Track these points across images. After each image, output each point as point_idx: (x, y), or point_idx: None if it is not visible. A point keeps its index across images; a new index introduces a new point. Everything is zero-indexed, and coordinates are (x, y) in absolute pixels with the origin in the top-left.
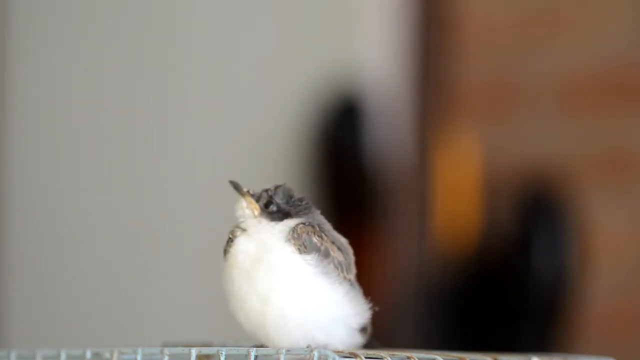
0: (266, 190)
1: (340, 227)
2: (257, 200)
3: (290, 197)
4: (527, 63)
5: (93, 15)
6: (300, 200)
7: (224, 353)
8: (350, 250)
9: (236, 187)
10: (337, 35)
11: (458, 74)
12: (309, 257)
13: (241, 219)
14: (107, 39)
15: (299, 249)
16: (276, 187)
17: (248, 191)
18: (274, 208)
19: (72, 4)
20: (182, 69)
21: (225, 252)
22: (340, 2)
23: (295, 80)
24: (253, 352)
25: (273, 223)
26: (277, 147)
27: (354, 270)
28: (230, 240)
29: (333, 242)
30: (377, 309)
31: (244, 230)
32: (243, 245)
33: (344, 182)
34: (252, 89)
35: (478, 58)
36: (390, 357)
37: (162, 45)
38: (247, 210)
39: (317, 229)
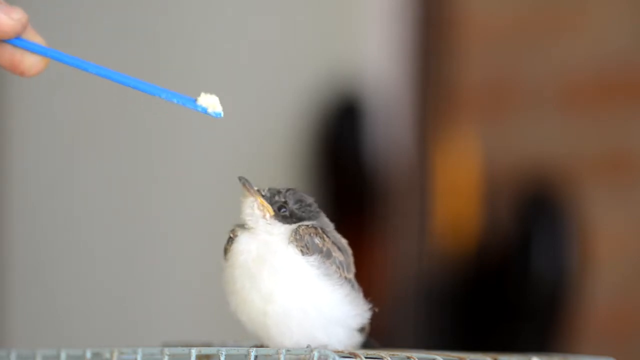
0: (278, 192)
1: (340, 227)
2: (270, 203)
3: (301, 201)
4: (527, 63)
5: (92, 13)
6: (310, 205)
7: (224, 353)
8: (349, 251)
9: (246, 184)
10: (337, 35)
11: (458, 74)
12: (311, 258)
13: (249, 218)
14: (106, 37)
15: (301, 250)
16: (287, 190)
17: (259, 190)
18: (287, 213)
19: (73, 3)
20: (183, 69)
21: (226, 251)
22: (341, 2)
23: (295, 80)
24: (253, 352)
25: (284, 227)
26: (277, 147)
27: (353, 269)
28: (230, 239)
29: (334, 243)
30: (377, 309)
31: (247, 229)
32: (245, 245)
33: (344, 182)
34: (253, 88)
35: (478, 58)
36: (390, 357)
37: (163, 45)
38: (258, 211)
39: (320, 230)
